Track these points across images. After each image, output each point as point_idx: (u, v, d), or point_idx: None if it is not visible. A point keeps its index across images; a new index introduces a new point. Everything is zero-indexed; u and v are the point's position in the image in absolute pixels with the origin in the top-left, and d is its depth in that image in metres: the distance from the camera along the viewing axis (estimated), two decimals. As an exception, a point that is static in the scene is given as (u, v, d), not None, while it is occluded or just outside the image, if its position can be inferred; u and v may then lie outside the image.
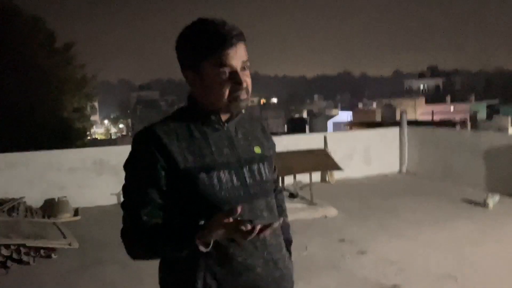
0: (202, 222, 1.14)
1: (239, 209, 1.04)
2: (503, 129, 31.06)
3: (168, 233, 1.16)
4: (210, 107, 1.24)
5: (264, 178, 1.31)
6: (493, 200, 6.01)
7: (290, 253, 1.46)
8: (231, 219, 1.04)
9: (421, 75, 64.38)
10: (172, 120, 1.26)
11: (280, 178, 1.64)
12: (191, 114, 1.26)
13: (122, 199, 1.28)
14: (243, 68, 1.22)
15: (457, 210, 6.01)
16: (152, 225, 1.18)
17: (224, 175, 1.22)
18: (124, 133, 62.95)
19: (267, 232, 1.04)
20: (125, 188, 1.25)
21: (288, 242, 1.47)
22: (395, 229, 5.28)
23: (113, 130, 68.04)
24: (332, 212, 6.00)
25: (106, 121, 73.94)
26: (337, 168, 6.34)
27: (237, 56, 1.20)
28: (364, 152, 8.54)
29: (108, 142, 38.96)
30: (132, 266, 4.37)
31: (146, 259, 1.25)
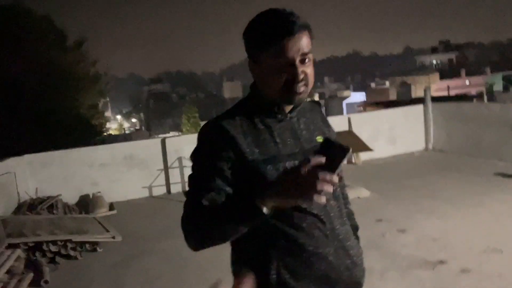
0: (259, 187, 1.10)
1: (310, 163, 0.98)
2: (522, 100, 30.48)
3: (227, 205, 1.15)
4: (270, 98, 1.24)
5: None
6: (527, 172, 5.95)
7: (358, 239, 1.45)
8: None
9: (433, 50, 63.12)
10: (236, 113, 1.26)
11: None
12: (254, 106, 1.27)
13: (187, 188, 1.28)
14: (303, 60, 1.19)
15: (491, 184, 5.96)
16: (212, 207, 1.16)
17: (289, 166, 1.20)
18: (138, 127, 63.40)
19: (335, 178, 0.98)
20: (190, 177, 1.26)
21: (355, 229, 1.46)
22: (431, 207, 5.27)
23: (126, 125, 68.59)
24: (364, 193, 6.01)
25: (118, 116, 74.52)
26: (367, 149, 6.33)
27: (295, 47, 1.17)
28: (388, 131, 8.50)
29: (123, 137, 39.32)
30: (175, 257, 4.49)
31: (206, 244, 1.20)
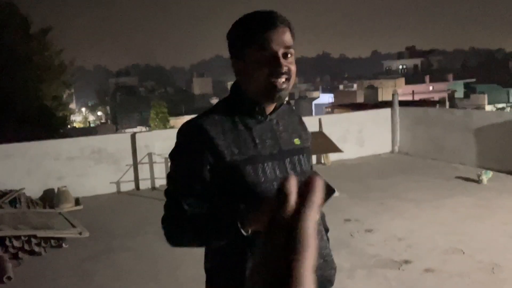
0: (242, 206, 1.17)
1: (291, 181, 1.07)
2: (480, 107, 31.86)
3: (209, 220, 1.20)
4: (252, 96, 1.26)
5: (304, 169, 1.33)
6: (486, 176, 6.24)
7: (328, 240, 1.49)
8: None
9: (399, 55, 65.05)
10: (216, 113, 1.28)
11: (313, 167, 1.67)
12: (235, 105, 1.28)
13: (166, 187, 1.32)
14: (285, 55, 1.22)
15: (453, 187, 6.22)
16: (194, 214, 1.21)
17: (268, 167, 1.25)
18: (103, 120, 61.85)
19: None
20: (169, 177, 1.29)
21: (326, 230, 1.51)
22: (397, 208, 5.45)
23: (91, 118, 66.76)
24: (333, 193, 6.12)
25: (83, 109, 72.44)
26: (337, 150, 6.45)
27: (278, 39, 1.20)
28: (357, 133, 8.69)
29: (88, 130, 38.27)
30: (145, 253, 4.44)
31: (186, 247, 1.30)
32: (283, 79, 1.21)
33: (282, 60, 1.20)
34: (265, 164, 1.24)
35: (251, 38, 1.21)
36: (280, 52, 1.21)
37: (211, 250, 1.33)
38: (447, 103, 36.43)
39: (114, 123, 47.95)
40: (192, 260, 4.14)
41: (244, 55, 1.23)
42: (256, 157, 1.24)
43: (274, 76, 1.20)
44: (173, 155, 1.28)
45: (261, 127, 1.28)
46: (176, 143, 1.28)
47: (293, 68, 1.24)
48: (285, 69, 1.20)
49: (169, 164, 1.31)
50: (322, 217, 1.52)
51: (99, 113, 69.47)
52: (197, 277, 3.76)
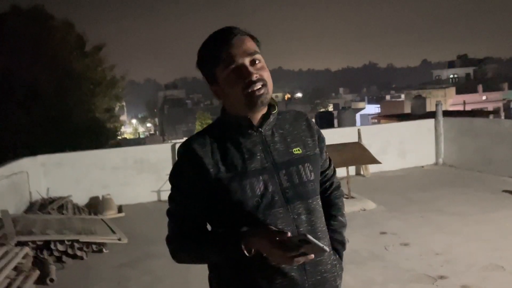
0: (244, 229, 1.18)
1: (288, 234, 1.09)
2: (539, 118, 29.95)
3: (212, 240, 1.23)
4: (237, 112, 1.25)
5: (304, 179, 1.27)
6: (537, 190, 5.88)
7: (339, 255, 1.41)
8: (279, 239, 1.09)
9: (450, 64, 62.61)
10: (208, 132, 1.29)
11: (335, 174, 1.58)
12: (224, 125, 1.29)
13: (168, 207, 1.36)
14: (253, 62, 1.21)
15: (499, 201, 5.91)
16: (195, 234, 1.25)
17: (257, 182, 1.22)
18: (152, 132, 64.00)
19: (311, 257, 1.09)
20: (169, 198, 1.33)
21: (339, 244, 1.41)
22: (436, 221, 5.25)
23: (141, 129, 69.33)
24: (370, 205, 6.01)
25: (134, 121, 75.41)
26: (375, 161, 6.33)
27: (241, 50, 1.20)
28: (398, 144, 8.47)
29: (137, 141, 39.73)
30: (179, 260, 4.55)
31: (190, 263, 1.32)
32: (259, 86, 1.20)
33: (250, 68, 1.20)
34: (254, 179, 1.22)
35: (215, 59, 1.22)
36: (246, 61, 1.20)
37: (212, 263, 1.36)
38: (502, 114, 34.59)
39: (162, 134, 49.49)
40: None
41: (216, 77, 1.25)
42: (244, 173, 1.22)
43: (248, 87, 1.19)
44: (170, 177, 1.33)
45: (251, 141, 1.26)
46: (173, 165, 1.32)
47: (265, 73, 1.22)
48: (255, 76, 1.19)
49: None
50: (341, 227, 1.43)
51: (148, 124, 72.03)
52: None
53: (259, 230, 1.16)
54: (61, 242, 4.68)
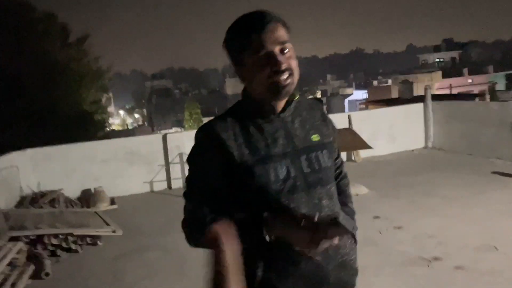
0: (266, 214, 1.17)
1: (316, 218, 1.09)
2: (524, 100, 30.37)
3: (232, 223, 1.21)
4: (260, 97, 1.26)
5: (322, 165, 1.30)
6: (525, 171, 5.99)
7: (355, 239, 1.43)
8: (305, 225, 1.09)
9: (436, 49, 62.99)
10: (229, 116, 1.29)
11: (343, 163, 1.64)
12: (245, 108, 1.29)
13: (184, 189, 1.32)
14: (282, 51, 1.21)
15: (489, 183, 6.01)
16: (212, 217, 1.20)
17: (280, 167, 1.23)
18: (140, 122, 63.51)
19: (336, 241, 1.10)
20: (187, 180, 1.30)
21: (354, 229, 1.45)
22: (428, 204, 5.33)
23: (129, 120, 68.73)
24: (362, 190, 6.06)
25: (121, 112, 74.69)
26: (367, 146, 6.37)
27: (271, 38, 1.19)
28: (388, 129, 8.53)
29: (126, 132, 39.44)
30: (174, 252, 4.56)
31: (203, 248, 1.25)
32: (285, 76, 1.20)
33: (279, 57, 1.19)
34: (277, 164, 1.23)
35: (244, 43, 1.21)
36: (276, 49, 1.20)
37: None
38: (488, 96, 35.03)
39: (150, 125, 49.17)
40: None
41: (243, 60, 1.24)
42: (267, 157, 1.23)
43: (275, 76, 1.19)
44: (189, 159, 1.31)
45: (272, 126, 1.27)
46: (192, 148, 1.30)
47: (293, 62, 1.23)
48: (284, 66, 1.20)
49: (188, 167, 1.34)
50: (351, 215, 1.47)
51: (136, 115, 71.42)
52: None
53: (283, 215, 1.15)
54: (55, 236, 4.64)
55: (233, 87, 68.33)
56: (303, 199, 1.23)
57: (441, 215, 4.93)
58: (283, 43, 1.21)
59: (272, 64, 1.19)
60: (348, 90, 54.90)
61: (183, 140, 7.39)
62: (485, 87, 40.92)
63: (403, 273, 3.63)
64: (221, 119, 1.29)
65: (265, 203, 1.21)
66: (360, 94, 44.85)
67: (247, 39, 1.20)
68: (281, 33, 1.21)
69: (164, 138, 7.36)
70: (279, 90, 1.21)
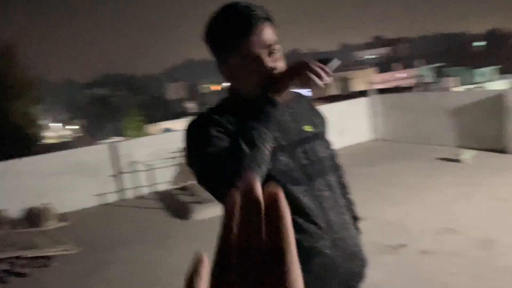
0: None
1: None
2: (451, 90, 32.64)
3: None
4: (249, 95, 1.20)
5: (319, 156, 1.28)
6: (470, 155, 6.36)
7: (358, 230, 1.47)
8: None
9: (368, 46, 66.11)
10: (219, 110, 1.23)
11: (337, 153, 1.61)
12: (235, 104, 1.24)
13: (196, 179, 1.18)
14: (271, 53, 1.16)
15: (435, 169, 6.33)
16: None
17: (278, 160, 1.20)
18: (78, 134, 60.66)
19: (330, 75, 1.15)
20: (198, 163, 1.16)
21: (355, 219, 1.49)
22: (384, 194, 5.50)
23: (65, 132, 65.41)
24: (320, 185, 6.14)
25: (56, 124, 70.94)
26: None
27: (260, 41, 1.14)
28: (337, 124, 8.72)
29: (62, 146, 37.38)
30: (139, 263, 4.35)
31: (234, 175, 1.04)
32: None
33: (267, 61, 1.15)
34: (275, 157, 1.18)
35: (230, 44, 1.15)
36: (264, 53, 1.15)
37: None
38: (419, 89, 37.22)
39: (89, 136, 47.08)
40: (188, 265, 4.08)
41: (228, 60, 1.18)
42: None
43: (263, 79, 1.16)
44: (188, 145, 1.20)
45: None
46: (188, 138, 1.20)
47: (281, 63, 1.19)
48: (271, 69, 1.17)
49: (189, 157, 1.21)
50: (350, 205, 1.49)
51: (73, 126, 68.15)
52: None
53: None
54: (1, 260, 4.25)
55: (175, 92, 67.34)
56: (304, 191, 1.21)
57: (399, 203, 5.11)
58: (271, 45, 1.16)
59: (260, 68, 1.15)
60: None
61: (133, 148, 7.11)
62: (415, 80, 43.56)
63: (372, 262, 3.66)
64: (213, 112, 1.23)
65: None
66: (304, 92, 45.87)
67: (233, 41, 1.14)
68: (269, 34, 1.16)
69: (112, 147, 7.03)
70: (267, 91, 1.17)
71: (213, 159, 1.11)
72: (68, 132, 64.99)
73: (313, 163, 1.26)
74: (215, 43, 1.19)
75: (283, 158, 1.21)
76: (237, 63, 1.16)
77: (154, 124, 37.41)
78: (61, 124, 70.31)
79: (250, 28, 1.13)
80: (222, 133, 1.16)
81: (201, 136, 1.17)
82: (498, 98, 6.56)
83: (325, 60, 1.18)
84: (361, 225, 4.85)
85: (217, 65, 1.23)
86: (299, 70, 1.13)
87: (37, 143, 24.60)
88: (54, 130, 65.06)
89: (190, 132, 1.22)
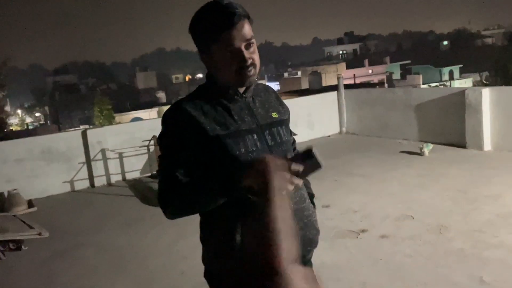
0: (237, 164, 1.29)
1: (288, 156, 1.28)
2: (416, 87, 33.65)
3: (205, 181, 1.30)
4: (225, 83, 1.40)
5: (283, 139, 1.47)
6: (427, 148, 6.74)
7: (314, 205, 1.61)
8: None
9: (339, 41, 66.98)
10: (196, 97, 1.41)
11: (295, 141, 1.83)
12: (211, 91, 1.42)
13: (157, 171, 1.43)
14: (248, 45, 1.34)
15: (398, 161, 6.66)
16: (188, 181, 1.31)
17: (248, 140, 1.37)
18: (42, 121, 58.80)
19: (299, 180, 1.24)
20: (161, 157, 1.39)
21: (311, 196, 1.62)
22: (348, 183, 5.78)
23: (29, 119, 63.23)
24: (289, 175, 6.35)
25: (19, 111, 68.45)
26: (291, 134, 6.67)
27: (239, 36, 1.31)
28: (307, 117, 8.99)
29: (26, 133, 36.23)
30: (110, 247, 4.44)
31: (184, 215, 1.36)
32: (250, 69, 1.35)
33: (246, 54, 1.33)
34: (246, 138, 1.37)
35: (213, 36, 1.32)
36: (243, 46, 1.33)
37: (204, 222, 1.45)
38: (386, 85, 38.20)
39: (55, 124, 45.77)
40: (160, 248, 4.20)
41: (210, 51, 1.36)
42: (237, 132, 1.36)
43: (241, 70, 1.34)
44: (161, 137, 1.39)
45: (238, 106, 1.41)
46: (163, 127, 1.39)
47: (256, 56, 1.37)
48: (249, 61, 1.34)
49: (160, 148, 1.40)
50: (307, 183, 1.61)
51: (37, 114, 65.94)
52: (167, 264, 3.86)
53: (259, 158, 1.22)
54: (-29, 244, 4.25)
55: (145, 81, 66.18)
56: None
57: (362, 192, 5.39)
58: (249, 39, 1.34)
59: (239, 59, 1.33)
60: (261, 82, 56.05)
61: (105, 135, 7.10)
62: (383, 77, 44.60)
63: (336, 245, 3.94)
64: (189, 100, 1.40)
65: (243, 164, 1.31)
66: (273, 86, 46.06)
67: (216, 34, 1.32)
68: (248, 30, 1.34)
69: (84, 134, 7.00)
70: (244, 81, 1.38)
71: (164, 177, 1.35)
72: (32, 120, 62.86)
73: (278, 145, 1.44)
74: (199, 35, 1.37)
75: (253, 139, 1.39)
76: (218, 53, 1.34)
77: (123, 113, 36.78)
78: (24, 112, 67.92)
79: (232, 24, 1.31)
80: (191, 133, 1.33)
81: (171, 139, 1.36)
82: (460, 95, 6.94)
83: (307, 156, 1.22)
84: (327, 212, 5.12)
85: (199, 54, 1.41)
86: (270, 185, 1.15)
87: (4, 130, 23.82)
88: (18, 117, 62.82)
89: (165, 124, 1.39)
